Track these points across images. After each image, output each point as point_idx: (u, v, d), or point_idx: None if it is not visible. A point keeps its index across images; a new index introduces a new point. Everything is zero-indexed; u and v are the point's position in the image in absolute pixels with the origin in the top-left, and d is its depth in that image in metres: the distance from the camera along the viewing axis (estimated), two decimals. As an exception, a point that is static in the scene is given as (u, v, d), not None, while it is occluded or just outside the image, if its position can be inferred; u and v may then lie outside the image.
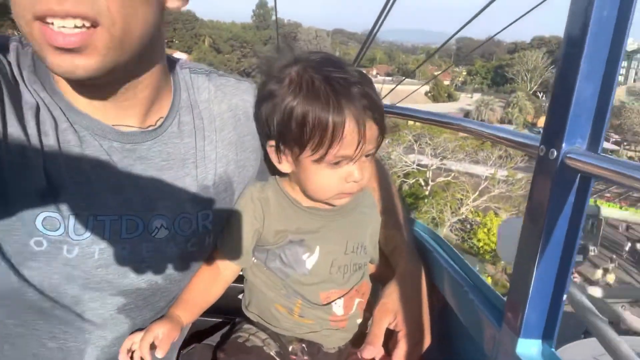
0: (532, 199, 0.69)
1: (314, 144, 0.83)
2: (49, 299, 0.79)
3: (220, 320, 1.17)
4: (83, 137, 0.76)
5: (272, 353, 0.97)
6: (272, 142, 0.90)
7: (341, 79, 0.83)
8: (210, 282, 0.97)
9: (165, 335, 0.86)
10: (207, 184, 0.90)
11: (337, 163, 0.86)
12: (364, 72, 0.92)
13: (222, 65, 61.46)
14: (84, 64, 0.65)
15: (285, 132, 0.86)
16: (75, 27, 0.62)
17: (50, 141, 0.74)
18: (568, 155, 0.62)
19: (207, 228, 0.91)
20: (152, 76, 0.81)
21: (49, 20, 0.61)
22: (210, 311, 1.02)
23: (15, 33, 0.80)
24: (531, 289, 0.67)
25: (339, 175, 0.88)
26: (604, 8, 0.56)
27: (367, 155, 0.89)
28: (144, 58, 0.75)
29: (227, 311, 1.10)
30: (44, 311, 0.80)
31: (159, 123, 0.85)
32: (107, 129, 0.78)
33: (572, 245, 0.65)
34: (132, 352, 0.86)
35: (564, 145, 0.63)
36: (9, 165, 0.71)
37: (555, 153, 0.64)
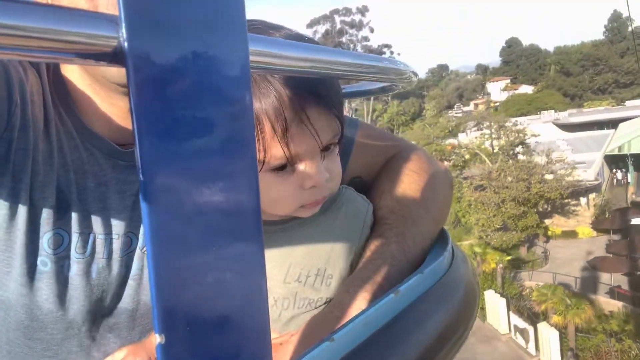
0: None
1: None
2: (41, 322, 0.77)
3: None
4: (91, 155, 0.77)
5: None
6: None
7: None
8: None
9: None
10: None
11: (282, 168, 0.65)
12: (308, 36, 0.72)
13: (573, 87, 69.55)
14: None
15: None
16: None
17: (64, 157, 0.76)
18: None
19: None
20: None
21: None
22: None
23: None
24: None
25: (292, 183, 0.66)
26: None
27: (326, 149, 0.68)
28: None
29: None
30: (33, 336, 0.78)
31: None
32: (113, 149, 0.79)
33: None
34: None
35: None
36: (31, 186, 0.72)
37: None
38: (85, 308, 0.79)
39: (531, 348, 16.42)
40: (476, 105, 66.49)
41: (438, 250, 0.74)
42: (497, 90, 76.09)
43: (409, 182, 0.81)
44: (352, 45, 79.55)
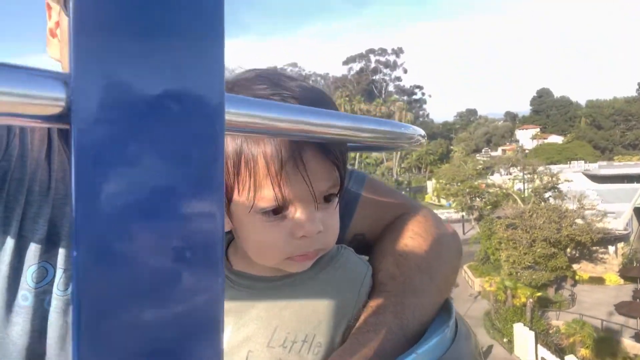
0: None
1: (237, 185, 0.62)
2: (14, 359, 0.74)
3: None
4: None
5: None
6: None
7: (270, 95, 0.61)
8: None
9: None
10: None
11: (275, 212, 0.62)
12: (323, 90, 0.71)
13: (604, 140, 70.84)
14: None
15: None
16: None
17: (65, 189, 0.75)
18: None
19: None
20: None
21: None
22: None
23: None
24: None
25: (283, 230, 0.63)
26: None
27: (326, 200, 0.65)
28: None
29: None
30: None
31: None
32: None
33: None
34: None
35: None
36: (23, 216, 0.71)
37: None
38: (60, 346, 0.76)
39: (557, 380, 17.12)
40: (504, 151, 67.16)
41: (439, 325, 0.69)
42: (526, 138, 76.85)
43: (413, 246, 0.76)
44: (384, 84, 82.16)
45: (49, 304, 0.75)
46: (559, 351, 18.21)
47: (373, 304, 0.70)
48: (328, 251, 0.71)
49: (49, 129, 0.76)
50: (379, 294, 0.71)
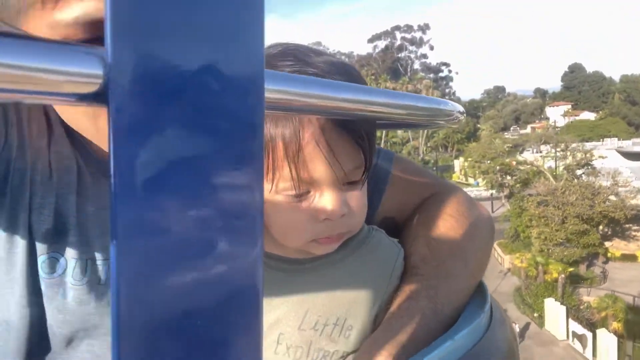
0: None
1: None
2: (36, 342, 0.76)
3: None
4: (95, 179, 0.76)
5: None
6: None
7: (296, 71, 0.58)
8: None
9: None
10: None
11: (298, 193, 0.61)
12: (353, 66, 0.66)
13: (639, 117, 68.54)
14: None
15: None
16: None
17: (68, 178, 0.75)
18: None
19: None
20: None
21: None
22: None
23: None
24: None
25: (306, 212, 0.62)
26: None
27: (349, 183, 0.63)
28: None
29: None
30: (30, 354, 0.76)
31: None
32: None
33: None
34: None
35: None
36: (30, 207, 0.72)
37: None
38: (80, 335, 0.77)
39: (588, 353, 17.39)
40: (533, 129, 65.78)
41: (473, 310, 0.67)
42: (557, 116, 76.05)
43: (446, 229, 0.74)
44: (410, 62, 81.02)
45: (64, 295, 0.74)
46: (590, 325, 18.42)
47: (406, 288, 0.68)
48: (359, 233, 0.70)
49: (48, 119, 0.75)
50: (412, 277, 0.70)
